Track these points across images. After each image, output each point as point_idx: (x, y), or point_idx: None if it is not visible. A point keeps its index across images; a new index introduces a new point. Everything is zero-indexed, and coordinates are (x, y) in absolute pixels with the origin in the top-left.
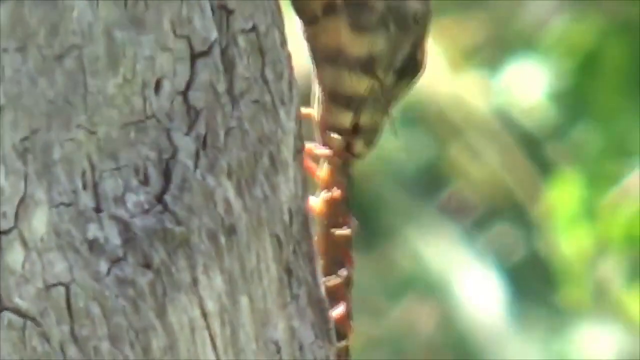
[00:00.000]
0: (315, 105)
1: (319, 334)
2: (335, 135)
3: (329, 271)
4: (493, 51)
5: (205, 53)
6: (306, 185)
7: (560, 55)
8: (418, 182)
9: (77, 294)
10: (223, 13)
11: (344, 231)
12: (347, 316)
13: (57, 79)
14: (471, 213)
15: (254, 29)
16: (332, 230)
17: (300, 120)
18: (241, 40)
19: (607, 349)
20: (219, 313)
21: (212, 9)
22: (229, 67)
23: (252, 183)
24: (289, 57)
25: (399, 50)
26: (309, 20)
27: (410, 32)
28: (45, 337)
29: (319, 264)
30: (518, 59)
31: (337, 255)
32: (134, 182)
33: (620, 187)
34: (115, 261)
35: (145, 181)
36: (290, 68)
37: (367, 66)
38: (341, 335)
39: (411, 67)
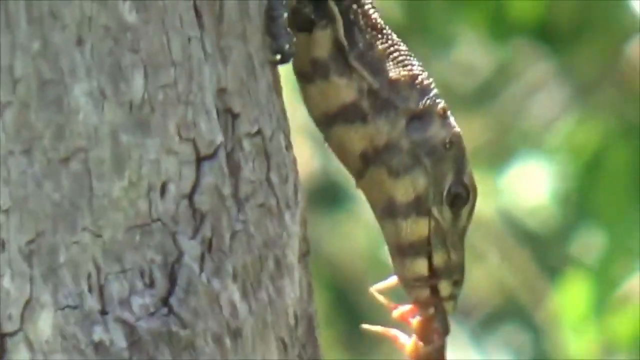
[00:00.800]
0: (393, 262)
1: None
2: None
3: None
4: (497, 151)
5: (210, 156)
6: (311, 288)
7: (565, 156)
8: None
9: None
10: (228, 117)
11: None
12: None
13: (62, 182)
14: (476, 315)
15: (259, 132)
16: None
17: (305, 223)
18: (246, 144)
19: None
20: None
21: (218, 113)
22: (234, 170)
23: (258, 286)
24: (294, 160)
25: (444, 181)
26: (358, 175)
27: (446, 160)
28: None
29: None
30: (522, 160)
31: None
32: (140, 285)
33: (624, 289)
34: None
35: (150, 284)
36: (295, 172)
37: (418, 207)
38: None
39: (464, 194)
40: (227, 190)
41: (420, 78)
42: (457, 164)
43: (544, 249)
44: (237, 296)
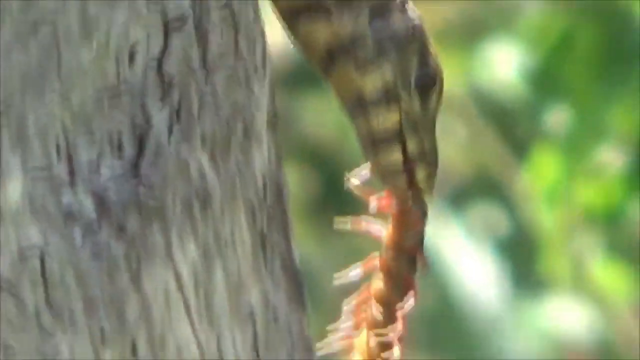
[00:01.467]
0: (367, 157)
1: (292, 299)
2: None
3: (403, 272)
4: (467, 32)
5: (179, 24)
6: (280, 156)
7: (534, 35)
8: None
9: (52, 262)
10: None
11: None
12: (401, 339)
13: (31, 49)
14: (447, 190)
15: (227, 5)
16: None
17: (274, 91)
18: (215, 14)
19: (578, 323)
20: (193, 280)
21: None
22: (202, 39)
23: (226, 153)
24: (262, 33)
25: (409, 68)
26: (324, 70)
27: (410, 49)
28: (20, 305)
29: (293, 232)
30: (492, 41)
31: (401, 285)
32: (108, 150)
33: (593, 161)
34: (90, 229)
35: (119, 150)
36: (264, 43)
37: (388, 97)
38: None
39: (430, 77)
40: (195, 58)
41: None
42: (420, 50)
43: (514, 125)
44: (205, 163)
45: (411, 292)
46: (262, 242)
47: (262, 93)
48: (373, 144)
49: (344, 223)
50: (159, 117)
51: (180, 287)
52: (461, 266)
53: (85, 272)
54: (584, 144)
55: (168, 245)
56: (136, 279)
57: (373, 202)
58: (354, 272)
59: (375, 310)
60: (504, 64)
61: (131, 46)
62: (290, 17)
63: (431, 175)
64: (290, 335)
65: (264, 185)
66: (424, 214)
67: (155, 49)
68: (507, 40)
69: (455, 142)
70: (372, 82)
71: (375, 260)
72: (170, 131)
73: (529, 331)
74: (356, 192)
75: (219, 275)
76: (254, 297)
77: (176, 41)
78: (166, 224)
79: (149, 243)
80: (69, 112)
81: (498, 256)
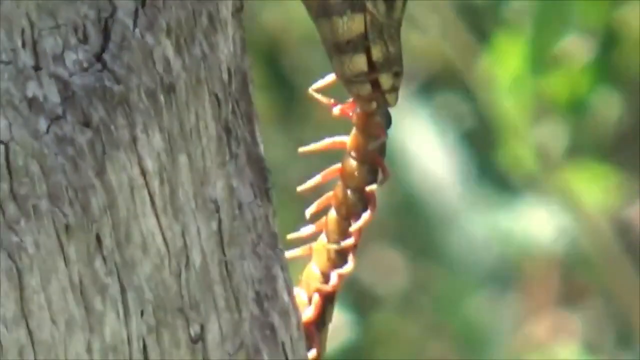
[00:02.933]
0: (332, 62)
1: (257, 193)
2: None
3: (363, 182)
4: None
5: None
6: (245, 44)
7: None
8: None
9: (16, 152)
10: None
11: (378, 142)
12: (354, 247)
13: None
14: (413, 82)
15: None
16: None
17: None
18: None
19: (546, 221)
20: (158, 171)
21: None
22: None
23: (191, 42)
24: None
25: None
26: None
27: None
28: None
29: (258, 124)
30: None
31: (361, 191)
32: (73, 40)
33: (556, 51)
34: (54, 119)
35: (84, 39)
36: None
37: (353, 3)
38: (344, 263)
39: None
40: None
41: None
42: None
43: (479, 16)
44: (170, 51)
45: (370, 204)
46: (226, 132)
47: None
48: (338, 51)
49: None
50: (124, 6)
51: (145, 176)
52: (424, 157)
53: (50, 162)
54: (549, 33)
55: (133, 135)
56: (101, 170)
57: (336, 108)
58: (314, 179)
59: (334, 219)
60: None
61: None
62: None
63: (396, 84)
64: (255, 229)
65: (229, 74)
66: (387, 123)
67: None
68: None
69: (422, 33)
70: None
71: (337, 169)
72: (135, 20)
73: (490, 228)
74: (319, 99)
75: (183, 164)
76: (218, 188)
77: None
78: (131, 113)
79: (114, 133)
80: (33, 1)
81: (462, 147)
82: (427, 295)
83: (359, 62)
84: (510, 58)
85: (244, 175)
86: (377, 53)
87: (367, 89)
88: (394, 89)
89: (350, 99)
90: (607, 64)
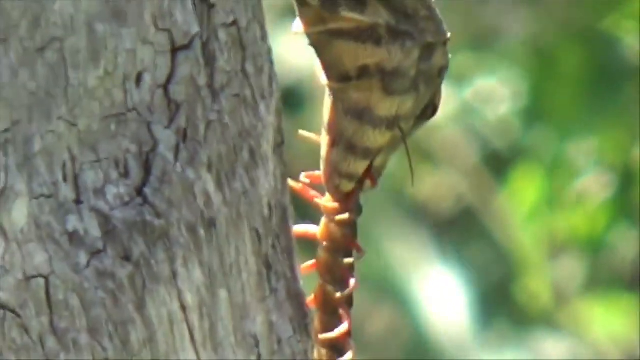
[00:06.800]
0: (323, 135)
1: (297, 329)
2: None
3: (331, 292)
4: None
5: (186, 46)
6: (286, 179)
7: (519, 58)
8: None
9: (57, 286)
10: (204, 7)
11: (349, 257)
12: (348, 334)
13: (38, 71)
14: (431, 214)
15: (235, 23)
16: (337, 254)
17: (280, 114)
18: (222, 34)
19: (561, 355)
20: (197, 306)
21: (194, 3)
22: (209, 60)
23: (232, 176)
24: (269, 51)
25: (424, 103)
26: (340, 79)
27: (434, 85)
28: (25, 329)
29: (298, 259)
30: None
31: (339, 277)
32: (114, 174)
33: (576, 188)
34: (95, 253)
35: (125, 174)
36: (271, 62)
37: (392, 124)
38: (342, 352)
39: (429, 111)
40: (202, 81)
41: (434, 8)
42: (439, 87)
43: (497, 147)
44: (211, 186)
45: (349, 283)
46: (266, 267)
47: (268, 114)
48: (348, 149)
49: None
50: (166, 141)
51: (185, 311)
52: (435, 298)
53: (90, 296)
54: (566, 170)
55: (173, 270)
56: (141, 304)
57: (320, 201)
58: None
59: (319, 315)
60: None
61: (139, 69)
62: (330, 34)
63: (374, 184)
64: None
65: (270, 209)
66: (357, 211)
67: (163, 71)
68: (492, 63)
69: (439, 171)
70: (389, 107)
71: (312, 265)
72: (176, 155)
73: None
74: (296, 188)
75: (223, 299)
76: (258, 324)
77: (183, 64)
78: (171, 248)
79: (154, 267)
80: (75, 135)
81: (476, 285)
82: None
83: (361, 167)
84: (528, 194)
85: (283, 310)
86: (379, 161)
87: (350, 187)
88: (370, 185)
89: (329, 191)
90: (626, 200)
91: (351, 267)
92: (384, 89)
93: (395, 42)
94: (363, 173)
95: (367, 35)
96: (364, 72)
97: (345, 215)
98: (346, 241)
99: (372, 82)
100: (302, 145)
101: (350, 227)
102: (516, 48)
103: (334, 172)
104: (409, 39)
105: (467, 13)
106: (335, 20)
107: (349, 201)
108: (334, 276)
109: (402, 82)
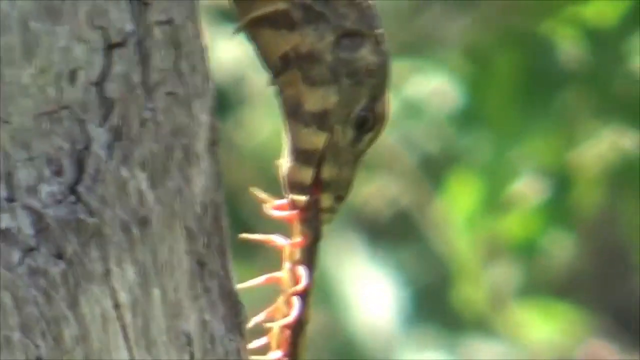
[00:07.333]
0: (285, 158)
1: (230, 327)
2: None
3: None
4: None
5: (120, 44)
6: (219, 178)
7: (454, 63)
8: None
9: None
10: (139, 5)
11: (302, 284)
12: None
13: None
14: (367, 219)
15: (169, 21)
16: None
17: (214, 113)
18: (157, 32)
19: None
20: (131, 304)
21: (129, 1)
22: (144, 58)
23: (166, 175)
24: (204, 50)
25: (355, 104)
26: (275, 72)
27: (364, 86)
28: None
29: (230, 258)
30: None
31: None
32: (48, 172)
33: (513, 191)
34: (28, 251)
35: (58, 172)
36: (206, 61)
37: (322, 121)
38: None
39: (371, 121)
40: (136, 78)
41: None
42: (374, 91)
43: (433, 159)
44: (144, 185)
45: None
46: (199, 265)
47: (202, 112)
48: (293, 156)
49: (251, 237)
50: (99, 139)
51: (118, 309)
52: (366, 300)
53: (23, 294)
54: (502, 174)
55: (106, 268)
56: (74, 302)
57: (275, 210)
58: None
59: (280, 329)
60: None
61: (73, 67)
62: (252, 24)
63: (335, 206)
64: None
65: (203, 208)
66: (315, 237)
67: (97, 69)
68: (427, 68)
69: (374, 176)
70: (314, 100)
71: (275, 275)
72: (110, 153)
73: None
74: (260, 198)
75: (156, 297)
76: (191, 322)
77: (118, 61)
78: (104, 246)
79: (87, 265)
80: (8, 132)
81: (409, 288)
82: None
83: (305, 175)
84: (464, 199)
85: (216, 309)
86: (326, 173)
87: (302, 200)
88: (332, 211)
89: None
90: (561, 205)
91: (308, 294)
92: (304, 78)
93: (308, 25)
94: (313, 189)
95: (282, 20)
96: (285, 62)
97: (299, 239)
98: (303, 264)
99: (294, 73)
100: (241, 147)
101: (308, 254)
102: (452, 53)
103: (287, 182)
104: (322, 21)
105: (403, 18)
106: (256, 8)
107: (305, 222)
108: (289, 295)
109: (319, 69)
